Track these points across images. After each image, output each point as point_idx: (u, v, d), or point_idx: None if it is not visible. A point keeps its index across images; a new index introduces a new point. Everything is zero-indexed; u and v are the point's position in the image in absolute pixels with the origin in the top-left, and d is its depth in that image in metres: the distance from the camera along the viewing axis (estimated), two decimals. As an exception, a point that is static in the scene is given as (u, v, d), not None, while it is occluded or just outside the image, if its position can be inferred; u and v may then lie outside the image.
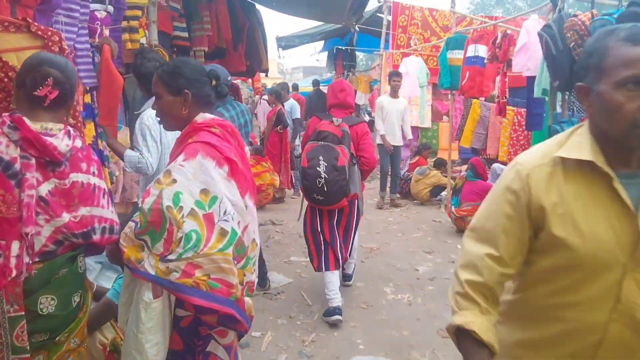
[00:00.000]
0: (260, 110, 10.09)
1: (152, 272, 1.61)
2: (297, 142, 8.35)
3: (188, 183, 1.69)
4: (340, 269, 3.73)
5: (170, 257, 1.62)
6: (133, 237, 1.66)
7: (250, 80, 9.90)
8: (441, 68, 6.98)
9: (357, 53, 13.75)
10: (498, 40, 5.30)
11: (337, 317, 3.45)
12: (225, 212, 1.72)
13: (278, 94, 7.75)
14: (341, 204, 3.48)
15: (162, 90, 1.88)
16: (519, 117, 6.37)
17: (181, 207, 1.64)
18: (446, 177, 7.33)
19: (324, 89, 9.36)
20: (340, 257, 3.55)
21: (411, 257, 4.94)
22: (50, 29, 2.11)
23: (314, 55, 14.28)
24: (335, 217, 3.59)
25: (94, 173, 1.86)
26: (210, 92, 1.95)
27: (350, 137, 3.54)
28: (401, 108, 7.10)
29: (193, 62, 2.12)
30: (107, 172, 2.89)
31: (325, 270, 3.52)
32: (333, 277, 3.52)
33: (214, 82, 1.96)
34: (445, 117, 10.51)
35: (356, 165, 3.59)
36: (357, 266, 4.61)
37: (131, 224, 1.69)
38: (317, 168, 3.36)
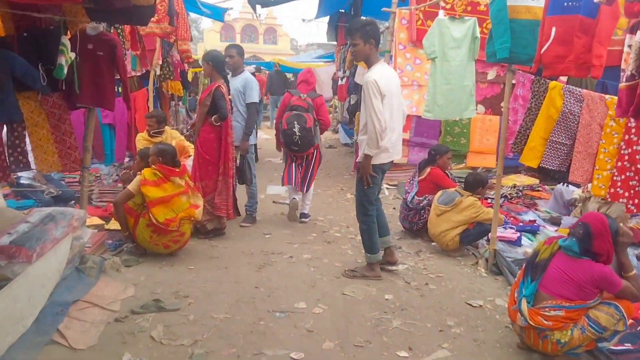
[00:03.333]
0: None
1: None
2: (254, 140, 5.40)
3: None
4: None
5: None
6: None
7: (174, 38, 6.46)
8: (494, 25, 3.94)
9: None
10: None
11: (304, 219, 5.47)
12: None
13: (218, 62, 4.73)
14: (309, 151, 5.21)
15: None
16: (644, 119, 3.33)
17: None
18: (490, 208, 4.34)
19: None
20: (304, 185, 5.31)
21: None
22: None
23: (307, 22, 11.05)
24: (305, 160, 5.30)
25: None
26: None
27: (313, 107, 5.20)
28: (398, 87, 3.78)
29: None
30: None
31: (293, 186, 5.31)
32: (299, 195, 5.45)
33: None
34: (480, 107, 7.42)
35: (317, 126, 5.24)
36: None
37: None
38: (293, 129, 4.97)
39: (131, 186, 3.94)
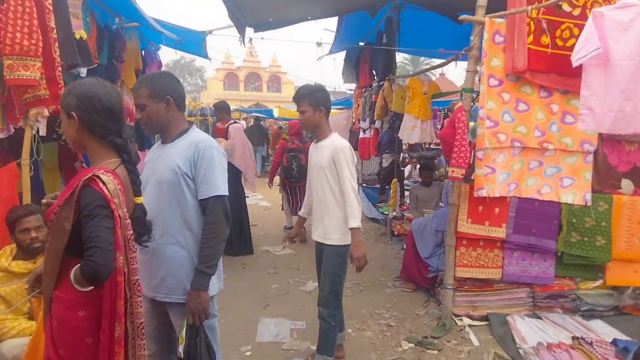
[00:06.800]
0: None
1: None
2: (218, 283, 2.29)
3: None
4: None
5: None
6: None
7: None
8: None
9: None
10: None
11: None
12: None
13: (91, 119, 1.75)
14: (302, 183, 6.32)
15: None
16: None
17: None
18: None
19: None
20: (297, 210, 6.32)
21: None
22: None
23: (321, 59, 8.37)
24: (298, 190, 6.77)
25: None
26: None
27: (304, 150, 6.49)
28: (321, 159, 3.15)
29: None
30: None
31: (294, 214, 6.72)
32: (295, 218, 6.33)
33: None
34: (626, 181, 4.37)
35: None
36: None
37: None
38: (292, 165, 6.57)
39: None
